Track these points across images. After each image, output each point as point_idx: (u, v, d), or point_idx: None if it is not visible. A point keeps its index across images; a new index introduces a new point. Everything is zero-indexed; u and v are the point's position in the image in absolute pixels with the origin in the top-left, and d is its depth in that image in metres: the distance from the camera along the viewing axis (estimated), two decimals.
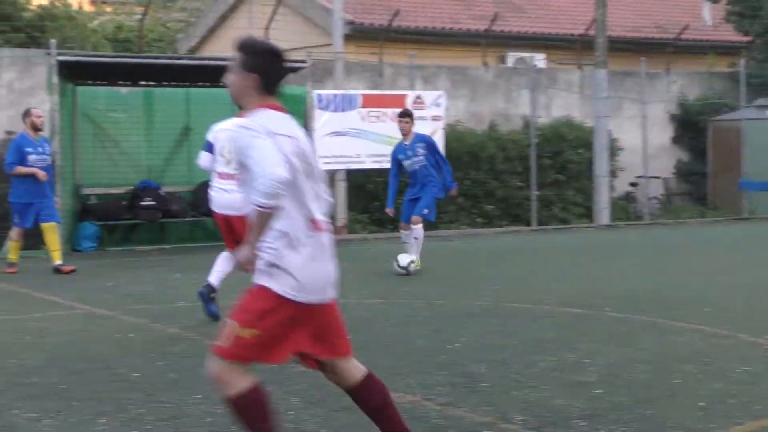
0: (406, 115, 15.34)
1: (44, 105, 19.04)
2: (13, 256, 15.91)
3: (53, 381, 8.04)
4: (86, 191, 20.13)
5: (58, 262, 15.70)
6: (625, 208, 27.54)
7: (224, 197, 10.74)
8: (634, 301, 11.94)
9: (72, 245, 18.76)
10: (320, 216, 5.24)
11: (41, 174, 15.61)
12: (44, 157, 15.98)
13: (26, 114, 16.23)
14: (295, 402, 7.20)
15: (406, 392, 7.39)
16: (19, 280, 14.91)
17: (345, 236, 21.43)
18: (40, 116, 16.22)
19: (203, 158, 11.27)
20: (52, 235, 15.85)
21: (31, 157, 15.74)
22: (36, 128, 16.05)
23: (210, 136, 11.18)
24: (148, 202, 19.78)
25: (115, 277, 14.94)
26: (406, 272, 14.52)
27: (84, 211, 19.75)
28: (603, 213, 25.72)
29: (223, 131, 10.88)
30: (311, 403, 7.16)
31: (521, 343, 9.46)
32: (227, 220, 10.78)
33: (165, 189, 20.38)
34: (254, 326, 5.04)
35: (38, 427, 6.66)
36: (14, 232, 15.92)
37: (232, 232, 10.63)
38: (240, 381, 5.12)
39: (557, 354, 8.86)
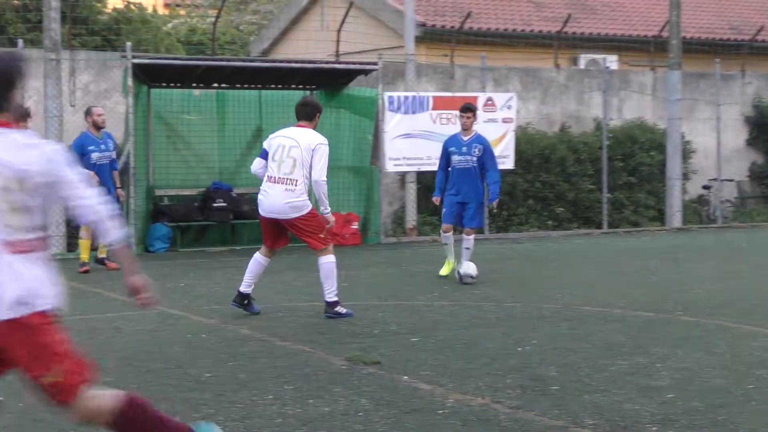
0: (468, 110, 14.70)
1: (119, 107, 19.31)
2: (84, 255, 16.13)
3: (126, 381, 8.09)
4: (159, 193, 20.30)
5: (103, 255, 16.32)
6: (697, 211, 27.27)
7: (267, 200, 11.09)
8: (706, 305, 11.82)
9: (144, 246, 19.00)
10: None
11: (95, 179, 15.70)
12: (108, 153, 16.33)
13: (87, 113, 16.64)
14: (364, 403, 7.19)
15: (476, 395, 7.39)
16: (91, 280, 15.09)
17: (414, 238, 21.44)
18: (100, 114, 16.57)
19: (254, 164, 11.59)
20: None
21: (95, 155, 16.09)
22: (98, 126, 16.39)
23: (266, 143, 11.43)
24: (219, 203, 19.95)
25: (186, 278, 15.08)
26: (473, 280, 14.01)
27: (157, 212, 19.94)
28: (675, 216, 25.49)
29: (277, 137, 11.20)
30: (381, 405, 7.15)
31: (592, 346, 9.39)
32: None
33: (237, 191, 20.53)
34: None
35: None
36: (84, 230, 16.09)
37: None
38: None
39: (629, 358, 8.78)
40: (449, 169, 14.42)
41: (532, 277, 15.32)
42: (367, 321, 10.96)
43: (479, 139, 14.48)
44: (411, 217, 22.28)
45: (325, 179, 11.07)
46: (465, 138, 14.40)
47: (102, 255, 16.42)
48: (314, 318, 11.22)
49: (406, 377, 8.03)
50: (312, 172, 10.93)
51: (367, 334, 10.09)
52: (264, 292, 12.18)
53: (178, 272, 15.91)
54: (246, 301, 11.17)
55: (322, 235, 11.08)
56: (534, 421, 6.69)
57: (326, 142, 11.18)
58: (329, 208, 11.20)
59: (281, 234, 11.29)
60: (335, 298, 10.98)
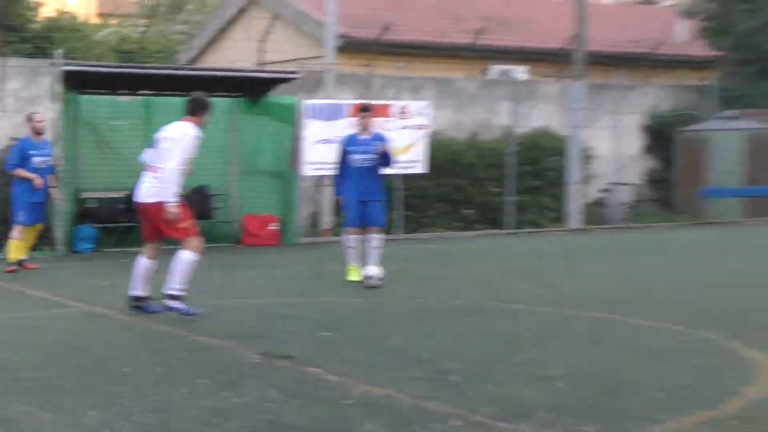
0: (366, 110, 14.06)
1: (48, 113, 19.03)
2: (15, 254, 15.91)
3: (50, 376, 8.04)
4: (86, 195, 20.04)
5: (25, 257, 16.12)
6: (596, 213, 27.62)
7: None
8: (602, 301, 11.97)
9: (70, 247, 18.75)
10: None
11: (38, 182, 15.84)
12: (47, 158, 16.22)
13: (28, 119, 16.52)
14: (275, 395, 7.17)
15: (382, 386, 7.40)
16: (18, 280, 14.91)
17: (330, 239, 21.39)
18: (41, 121, 16.45)
19: (143, 154, 11.40)
20: (35, 233, 16.47)
21: (36, 159, 15.98)
22: (38, 132, 16.26)
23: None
24: None
25: (111, 278, 14.84)
26: (380, 282, 13.41)
27: (83, 214, 19.68)
28: (574, 217, 25.81)
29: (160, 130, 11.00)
30: (290, 396, 7.14)
31: (494, 340, 9.48)
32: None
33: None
34: None
35: (34, 419, 6.64)
36: (17, 231, 15.93)
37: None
38: None
39: (528, 351, 8.87)
40: (347, 169, 13.71)
41: (438, 275, 15.36)
42: (281, 317, 10.94)
43: (380, 137, 13.88)
44: (327, 219, 22.30)
45: (175, 167, 10.48)
46: (364, 136, 13.75)
47: (22, 257, 16.23)
48: (230, 315, 11.20)
49: (315, 369, 8.01)
50: (168, 160, 10.53)
51: (280, 330, 10.07)
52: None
53: (103, 272, 15.75)
54: (141, 304, 10.88)
55: (182, 226, 10.59)
56: (434, 410, 6.72)
57: (193, 134, 10.66)
58: (173, 199, 10.46)
59: (155, 225, 10.83)
60: (180, 293, 10.54)
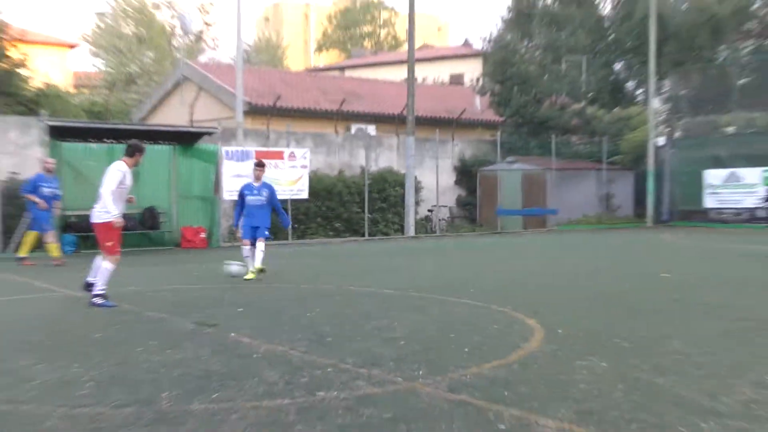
0: (261, 165, 13.62)
1: (37, 155, 18.43)
2: (55, 253, 15.96)
3: (42, 339, 7.77)
4: (69, 213, 19.41)
5: (25, 255, 16.07)
6: (424, 225, 27.99)
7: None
8: (427, 285, 12.07)
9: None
10: None
11: (43, 205, 15.70)
12: (54, 190, 16.09)
13: (44, 161, 16.57)
14: (205, 352, 7.06)
15: (279, 345, 7.37)
16: (22, 272, 14.38)
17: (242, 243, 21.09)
18: (50, 163, 16.36)
19: None
20: (36, 239, 16.22)
21: (45, 190, 15.86)
22: (48, 171, 16.12)
23: None
24: None
25: (85, 271, 14.42)
26: (233, 278, 12.97)
27: (67, 226, 19.07)
28: (410, 229, 26.09)
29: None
30: (216, 353, 7.02)
31: (354, 312, 9.48)
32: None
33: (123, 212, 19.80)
34: None
35: (33, 369, 6.43)
36: (49, 236, 15.92)
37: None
38: None
39: (377, 320, 8.89)
40: (245, 206, 13.32)
41: (318, 268, 15.31)
42: (210, 298, 10.77)
43: (267, 186, 13.52)
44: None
45: (105, 192, 9.94)
46: (257, 184, 13.42)
47: (20, 254, 15.84)
48: (172, 297, 10.98)
49: (233, 334, 7.94)
50: (102, 187, 10.03)
51: (208, 306, 9.92)
52: (137, 279, 11.86)
53: (80, 266, 15.25)
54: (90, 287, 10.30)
55: (108, 244, 10.04)
56: (316, 361, 6.72)
57: (118, 168, 10.09)
58: (112, 212, 9.92)
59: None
60: (101, 293, 10.02)
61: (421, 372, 6.27)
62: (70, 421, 5.00)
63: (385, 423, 4.96)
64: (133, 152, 10.31)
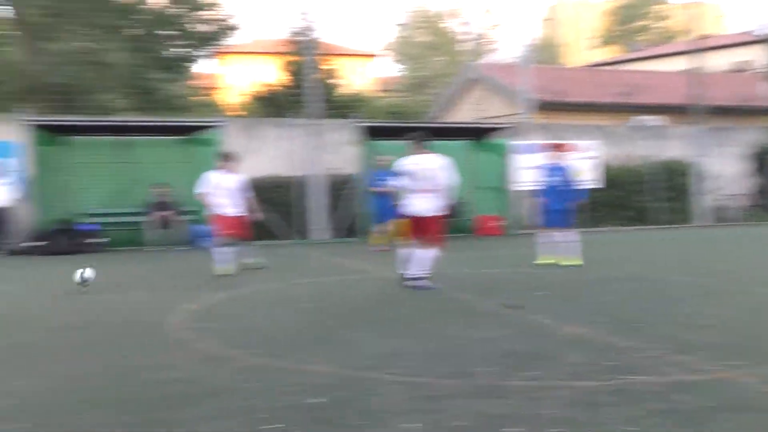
0: (558, 147, 12.93)
1: (348, 153, 19.15)
2: (380, 241, 15.46)
3: (369, 315, 8.07)
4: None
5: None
6: (717, 214, 26.03)
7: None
8: (732, 274, 11.04)
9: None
10: None
11: (390, 191, 13.52)
12: (387, 180, 14.39)
13: (377, 159, 15.87)
14: (508, 331, 7.00)
15: (581, 327, 7.05)
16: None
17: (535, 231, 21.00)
18: (383, 159, 15.50)
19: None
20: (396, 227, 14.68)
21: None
22: (382, 166, 15.29)
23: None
24: None
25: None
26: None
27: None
28: (702, 217, 24.41)
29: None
30: (519, 333, 6.94)
31: (660, 298, 8.88)
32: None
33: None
34: None
35: (367, 341, 6.64)
36: (385, 225, 15.35)
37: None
38: None
39: (684, 306, 8.23)
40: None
41: (614, 255, 14.66)
42: (511, 281, 10.64)
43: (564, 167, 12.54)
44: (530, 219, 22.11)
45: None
46: (554, 165, 12.63)
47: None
48: (477, 280, 10.97)
49: (535, 316, 7.75)
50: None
51: (510, 290, 9.78)
52: (447, 265, 12.01)
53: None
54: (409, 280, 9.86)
55: (438, 236, 9.68)
56: (619, 345, 6.34)
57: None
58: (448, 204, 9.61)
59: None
60: (424, 276, 9.68)
61: (737, 363, 5.72)
62: (403, 387, 5.15)
63: (702, 411, 4.58)
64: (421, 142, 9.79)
